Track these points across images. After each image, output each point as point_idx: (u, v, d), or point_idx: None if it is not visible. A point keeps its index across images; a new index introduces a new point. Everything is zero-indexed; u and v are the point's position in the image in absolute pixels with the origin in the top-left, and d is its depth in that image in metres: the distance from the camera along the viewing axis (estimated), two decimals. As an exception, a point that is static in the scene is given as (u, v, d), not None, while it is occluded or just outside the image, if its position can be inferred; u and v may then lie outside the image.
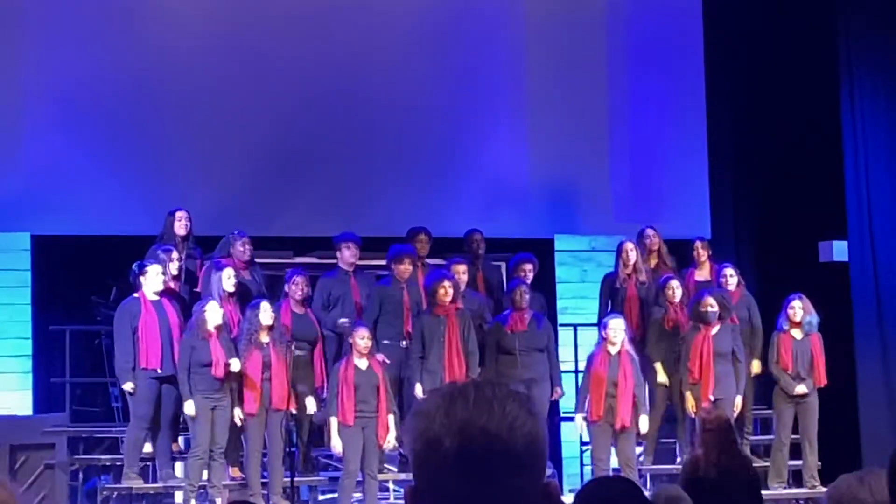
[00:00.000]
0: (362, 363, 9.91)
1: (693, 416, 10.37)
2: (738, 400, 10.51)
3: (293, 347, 10.08)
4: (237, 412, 9.77)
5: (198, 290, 10.71)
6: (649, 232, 11.54)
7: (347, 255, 10.82)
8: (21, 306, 11.83)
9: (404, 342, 10.49)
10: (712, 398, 10.30)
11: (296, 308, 10.39)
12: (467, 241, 11.51)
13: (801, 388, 10.63)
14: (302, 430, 10.22)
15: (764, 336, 11.01)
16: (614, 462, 10.34)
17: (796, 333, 10.77)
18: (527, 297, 10.48)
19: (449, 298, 10.24)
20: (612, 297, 11.22)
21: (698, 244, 11.58)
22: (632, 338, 10.56)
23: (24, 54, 12.12)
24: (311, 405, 10.11)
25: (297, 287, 10.37)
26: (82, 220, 11.92)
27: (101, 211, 11.93)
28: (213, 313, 9.73)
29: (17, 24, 12.15)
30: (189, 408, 9.67)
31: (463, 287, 10.66)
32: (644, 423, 10.29)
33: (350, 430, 9.82)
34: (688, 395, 10.42)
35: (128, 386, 9.91)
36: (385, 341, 10.43)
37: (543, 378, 10.38)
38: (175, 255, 10.44)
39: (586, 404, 10.29)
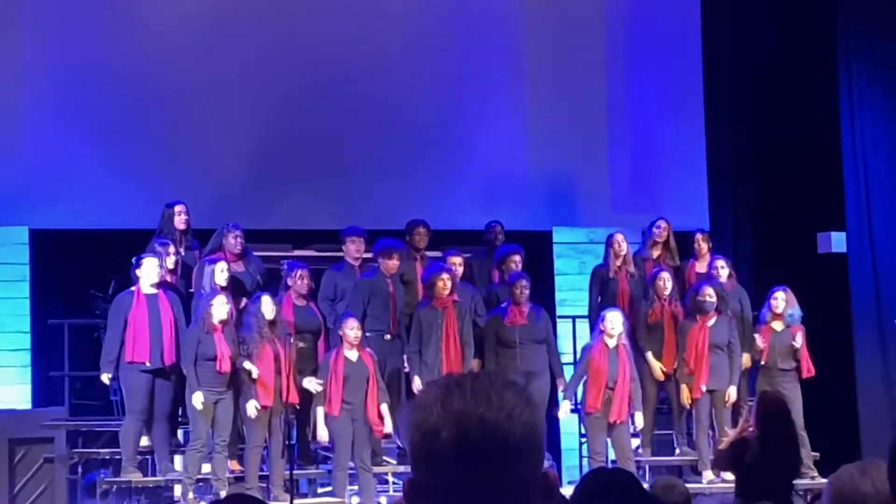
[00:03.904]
0: (352, 354, 9.91)
1: (688, 407, 10.52)
2: (732, 390, 10.54)
3: (294, 341, 10.05)
4: (252, 404, 9.72)
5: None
6: (661, 223, 11.48)
7: (353, 250, 10.79)
8: (19, 300, 11.83)
9: (388, 336, 10.46)
10: (704, 389, 10.38)
11: (298, 301, 10.39)
12: (488, 232, 11.54)
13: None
14: (303, 423, 10.21)
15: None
16: (610, 454, 10.37)
17: (777, 325, 10.78)
18: (527, 292, 10.47)
19: (447, 291, 10.24)
20: (603, 290, 11.21)
21: (699, 236, 11.56)
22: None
23: (22, 47, 12.11)
24: (312, 386, 10.01)
25: (301, 280, 10.37)
26: (81, 214, 11.91)
27: (99, 204, 11.92)
28: (219, 308, 9.73)
29: (15, 16, 12.14)
30: (196, 399, 9.63)
31: (458, 279, 10.66)
32: (640, 420, 10.35)
33: (338, 421, 9.81)
34: (683, 386, 10.47)
35: (105, 377, 9.98)
36: (368, 334, 10.31)
37: (543, 370, 10.37)
38: (171, 248, 10.43)
39: (579, 394, 10.30)
